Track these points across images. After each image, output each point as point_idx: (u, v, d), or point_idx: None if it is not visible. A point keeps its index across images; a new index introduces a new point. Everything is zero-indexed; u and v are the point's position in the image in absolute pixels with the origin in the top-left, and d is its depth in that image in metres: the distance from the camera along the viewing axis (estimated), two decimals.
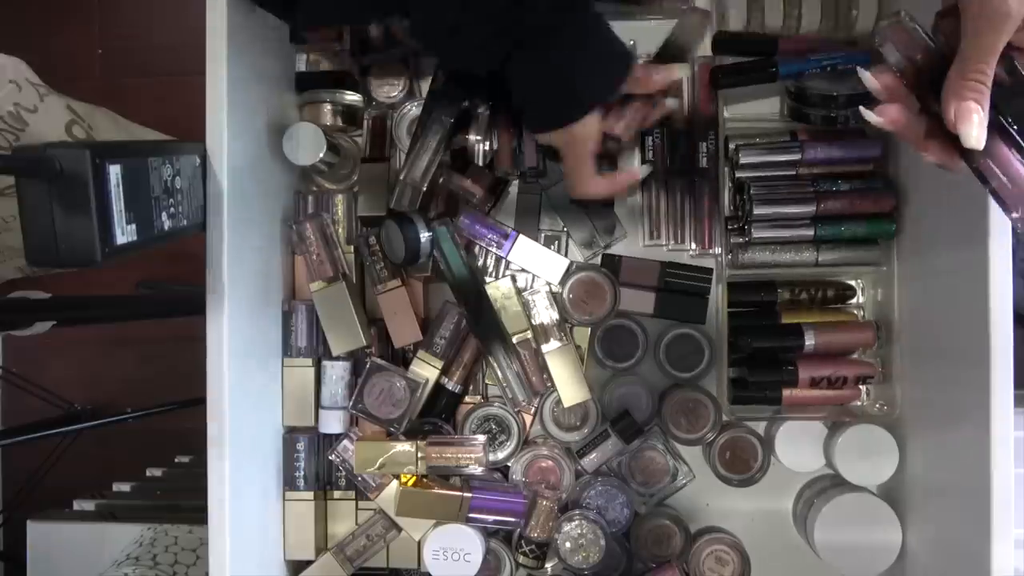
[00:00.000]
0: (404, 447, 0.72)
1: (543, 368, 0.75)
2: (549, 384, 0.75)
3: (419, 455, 0.72)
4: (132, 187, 0.52)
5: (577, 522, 0.73)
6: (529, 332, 0.75)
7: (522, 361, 0.75)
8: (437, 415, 0.77)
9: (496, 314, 0.74)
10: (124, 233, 0.51)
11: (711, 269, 0.77)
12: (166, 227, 0.57)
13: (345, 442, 0.75)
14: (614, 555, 0.76)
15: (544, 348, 0.75)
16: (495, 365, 0.74)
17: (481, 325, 0.74)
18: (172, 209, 0.57)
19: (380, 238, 0.74)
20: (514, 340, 0.75)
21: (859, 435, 0.74)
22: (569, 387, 0.74)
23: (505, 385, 0.75)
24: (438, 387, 0.77)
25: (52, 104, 1.02)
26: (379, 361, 0.74)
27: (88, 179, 0.48)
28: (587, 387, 0.75)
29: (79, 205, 0.48)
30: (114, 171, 0.50)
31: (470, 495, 0.72)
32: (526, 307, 0.75)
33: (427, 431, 0.75)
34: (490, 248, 0.76)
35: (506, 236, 0.76)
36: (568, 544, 0.73)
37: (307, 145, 0.73)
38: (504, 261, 0.77)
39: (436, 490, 0.73)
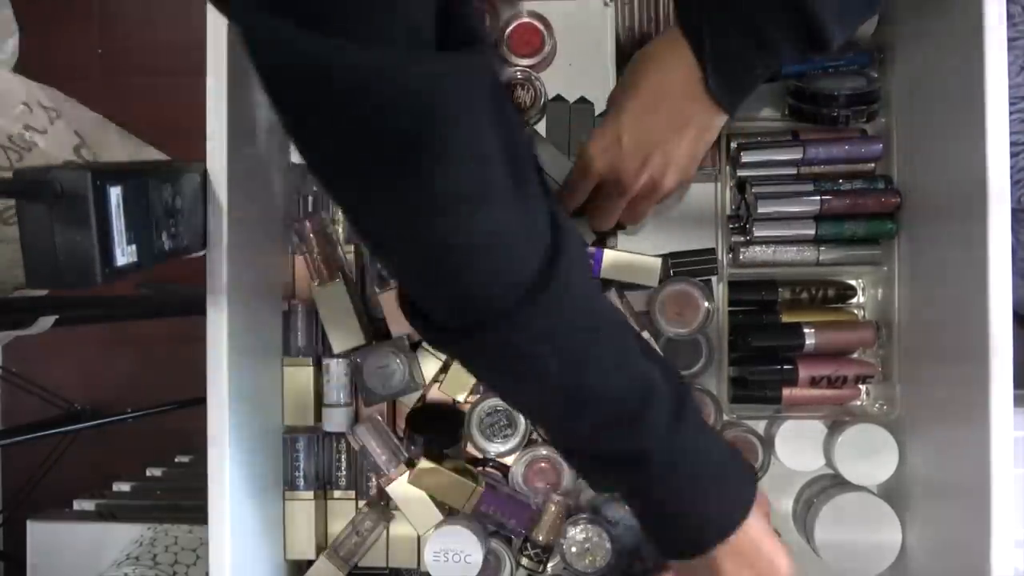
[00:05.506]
0: (463, 481, 0.73)
1: None
2: None
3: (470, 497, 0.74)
4: (133, 209, 0.52)
5: (582, 526, 0.73)
6: None
7: None
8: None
9: None
10: (124, 254, 0.52)
11: (714, 248, 0.77)
12: (166, 248, 0.57)
13: (361, 428, 0.75)
14: (619, 555, 0.76)
15: None
16: None
17: None
18: (173, 230, 0.58)
19: None
20: None
21: (859, 435, 0.74)
22: None
23: None
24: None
25: (60, 128, 1.03)
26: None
27: (89, 201, 0.49)
28: None
29: (80, 227, 0.48)
30: (115, 193, 0.51)
31: (482, 488, 0.73)
32: None
33: (482, 466, 0.77)
34: None
35: (591, 256, 0.74)
36: (574, 549, 0.73)
37: None
38: None
39: (452, 474, 0.73)
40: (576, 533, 0.73)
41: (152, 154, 1.19)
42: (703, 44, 0.55)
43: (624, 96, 0.61)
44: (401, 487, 0.75)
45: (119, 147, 1.12)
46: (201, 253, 0.63)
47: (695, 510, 0.55)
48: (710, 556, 0.55)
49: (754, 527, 0.56)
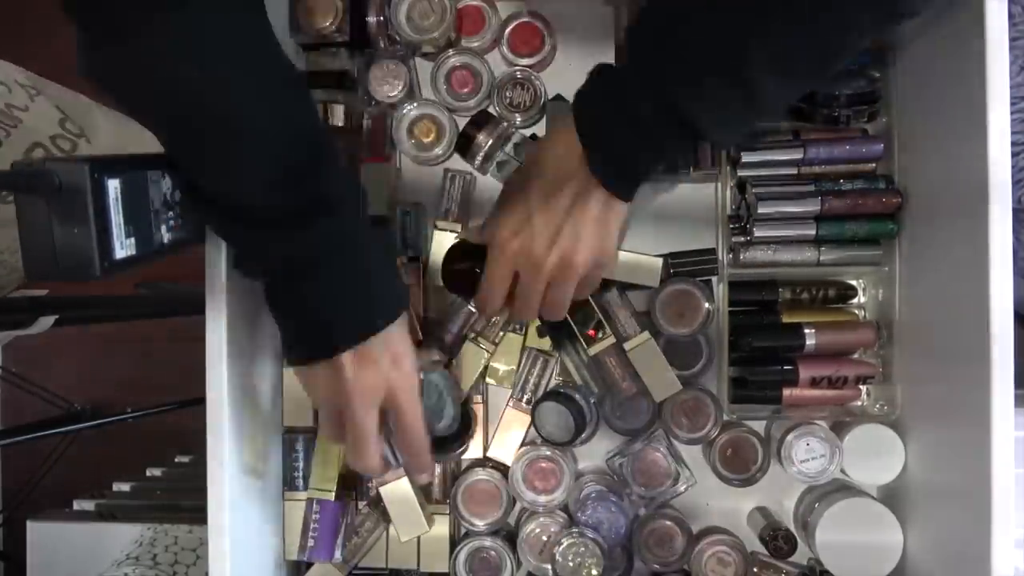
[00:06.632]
0: None
1: (628, 366, 0.74)
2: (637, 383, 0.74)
3: None
4: (131, 201, 0.53)
5: (566, 544, 0.73)
6: (612, 337, 0.74)
7: (610, 369, 0.74)
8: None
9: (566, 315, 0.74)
10: (123, 247, 0.52)
11: (714, 248, 0.77)
12: (165, 240, 0.57)
13: None
14: (615, 559, 0.76)
15: (626, 347, 0.73)
16: (568, 363, 0.76)
17: (552, 326, 0.75)
18: (172, 222, 0.58)
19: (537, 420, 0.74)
20: (599, 348, 0.73)
21: (865, 434, 0.74)
22: (658, 382, 0.73)
23: (580, 382, 0.76)
24: None
25: (42, 104, 1.03)
26: None
27: (87, 194, 0.49)
28: (675, 378, 0.73)
29: (78, 220, 0.49)
30: (113, 185, 0.51)
31: None
32: (604, 311, 0.74)
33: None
34: None
35: None
36: (571, 564, 0.73)
37: None
38: None
39: None
40: (566, 548, 0.73)
41: (135, 127, 1.19)
42: (589, 134, 0.57)
43: (527, 181, 0.61)
44: (392, 489, 0.75)
45: (102, 120, 1.12)
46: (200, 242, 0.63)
47: (342, 302, 0.56)
48: (336, 359, 0.56)
49: (393, 333, 0.58)
